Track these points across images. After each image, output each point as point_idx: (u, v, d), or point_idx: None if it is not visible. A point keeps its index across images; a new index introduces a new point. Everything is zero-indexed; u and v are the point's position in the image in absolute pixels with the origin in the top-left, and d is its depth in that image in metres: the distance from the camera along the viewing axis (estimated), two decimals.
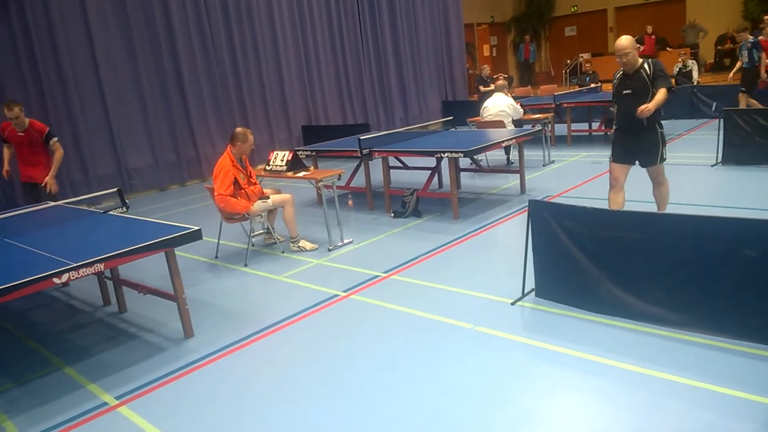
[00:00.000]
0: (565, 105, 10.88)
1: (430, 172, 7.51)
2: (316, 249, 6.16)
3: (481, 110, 9.26)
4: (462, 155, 6.51)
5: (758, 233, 3.27)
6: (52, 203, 5.96)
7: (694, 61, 13.83)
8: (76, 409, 3.54)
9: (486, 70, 14.46)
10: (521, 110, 9.19)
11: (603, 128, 11.24)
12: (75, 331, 4.83)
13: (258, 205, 5.95)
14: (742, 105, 10.07)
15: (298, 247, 6.16)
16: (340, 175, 6.20)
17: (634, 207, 3.86)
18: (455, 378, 3.44)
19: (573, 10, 21.69)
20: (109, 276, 5.04)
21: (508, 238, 5.93)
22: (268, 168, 6.66)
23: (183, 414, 3.39)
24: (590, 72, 14.71)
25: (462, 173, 8.38)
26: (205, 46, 11.38)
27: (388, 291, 4.86)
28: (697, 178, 7.44)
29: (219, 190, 5.73)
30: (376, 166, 7.82)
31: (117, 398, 3.60)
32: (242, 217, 5.91)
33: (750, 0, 17.19)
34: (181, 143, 11.14)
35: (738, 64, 10.67)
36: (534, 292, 4.36)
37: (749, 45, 9.97)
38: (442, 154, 6.63)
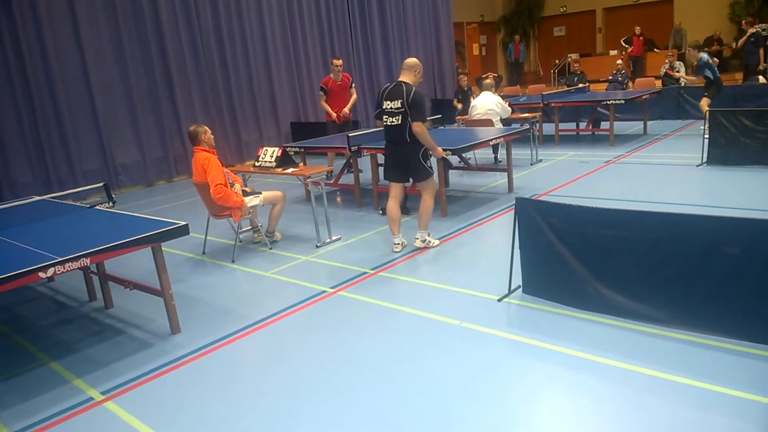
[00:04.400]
0: (553, 104, 10.94)
1: None
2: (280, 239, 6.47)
3: (469, 109, 9.30)
4: (450, 153, 6.53)
5: (740, 231, 3.32)
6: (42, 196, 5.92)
7: (681, 63, 13.96)
8: (61, 404, 3.52)
9: (464, 80, 13.28)
10: (509, 109, 9.24)
11: (590, 128, 11.32)
12: (61, 326, 4.80)
13: (250, 200, 5.95)
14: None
15: (270, 238, 6.30)
16: (328, 173, 6.19)
17: (617, 205, 3.89)
18: (442, 374, 3.46)
19: (562, 10, 21.81)
20: (95, 271, 5.01)
21: (495, 236, 5.96)
22: (257, 164, 6.64)
23: (169, 409, 3.38)
24: (578, 72, 14.78)
25: (450, 171, 8.41)
26: (194, 41, 11.32)
27: (375, 288, 4.87)
28: (682, 177, 7.52)
29: (216, 180, 5.55)
30: (364, 163, 7.83)
31: (103, 393, 3.59)
32: (230, 213, 5.89)
33: (737, 3, 17.39)
34: (168, 139, 11.08)
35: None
36: (521, 289, 4.40)
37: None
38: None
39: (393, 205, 5.64)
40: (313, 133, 10.03)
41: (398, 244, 5.68)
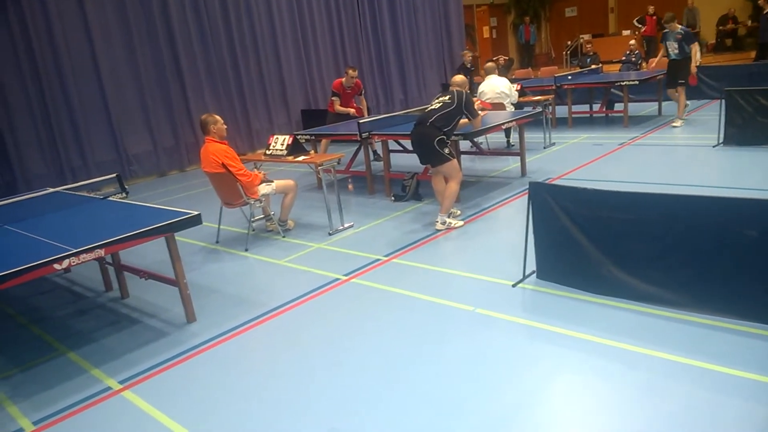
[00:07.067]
0: (565, 87, 10.80)
1: None
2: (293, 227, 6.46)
3: (478, 94, 9.07)
4: (462, 138, 6.48)
5: (757, 213, 3.26)
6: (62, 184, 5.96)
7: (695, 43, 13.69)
8: (79, 393, 3.56)
9: (468, 56, 13.54)
10: (516, 93, 9.02)
11: (604, 110, 11.19)
12: (77, 316, 4.85)
13: (262, 188, 5.95)
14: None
15: (283, 227, 6.31)
16: (339, 159, 6.18)
17: (632, 188, 3.84)
18: (456, 360, 3.46)
19: None
20: (110, 262, 5.05)
21: (508, 221, 5.92)
22: (268, 152, 6.63)
23: (186, 397, 3.41)
24: (591, 53, 14.57)
25: (462, 156, 8.35)
26: (203, 30, 11.29)
27: (389, 274, 4.87)
28: (698, 158, 7.42)
29: (242, 168, 5.69)
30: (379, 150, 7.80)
31: (121, 383, 3.63)
32: (243, 202, 5.90)
33: None
34: (179, 128, 11.10)
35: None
36: (535, 274, 4.37)
37: (679, 36, 9.05)
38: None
39: (434, 181, 5.99)
40: (324, 121, 10.00)
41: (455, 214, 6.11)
